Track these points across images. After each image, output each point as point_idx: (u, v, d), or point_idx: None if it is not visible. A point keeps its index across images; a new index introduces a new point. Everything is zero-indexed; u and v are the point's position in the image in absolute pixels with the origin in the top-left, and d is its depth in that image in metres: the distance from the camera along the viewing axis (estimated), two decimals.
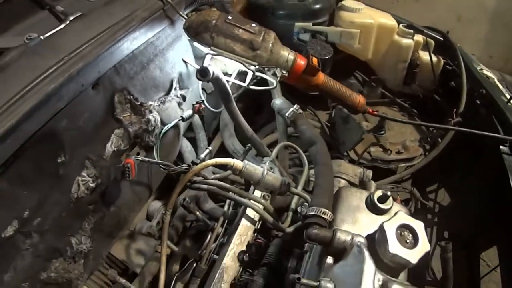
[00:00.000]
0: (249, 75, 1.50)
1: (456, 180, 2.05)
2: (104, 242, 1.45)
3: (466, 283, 1.76)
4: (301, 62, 1.50)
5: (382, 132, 1.95)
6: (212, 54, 1.40)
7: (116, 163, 1.38)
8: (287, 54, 1.48)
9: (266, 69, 1.48)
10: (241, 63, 1.42)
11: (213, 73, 1.26)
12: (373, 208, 1.18)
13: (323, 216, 1.09)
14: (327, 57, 1.88)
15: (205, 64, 1.46)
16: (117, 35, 1.30)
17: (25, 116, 1.03)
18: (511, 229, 1.52)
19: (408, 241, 1.00)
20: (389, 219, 1.03)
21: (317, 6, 2.02)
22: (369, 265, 0.95)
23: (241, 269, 1.31)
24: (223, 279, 1.25)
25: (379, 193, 1.18)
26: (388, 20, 2.09)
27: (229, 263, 1.28)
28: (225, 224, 1.48)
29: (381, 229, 1.02)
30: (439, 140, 1.90)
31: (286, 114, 1.53)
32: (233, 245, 1.31)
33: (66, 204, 1.25)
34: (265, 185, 1.36)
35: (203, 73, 1.23)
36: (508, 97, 1.89)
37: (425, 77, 2.15)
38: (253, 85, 1.59)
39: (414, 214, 1.97)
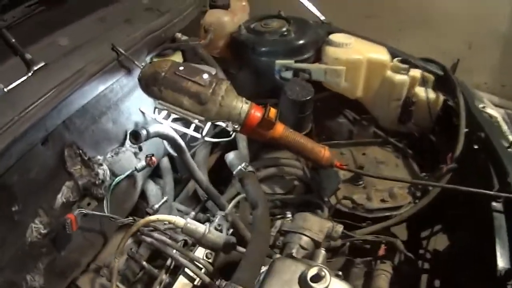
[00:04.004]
0: (207, 126, 1.47)
1: (445, 229, 1.88)
2: (57, 281, 1.49)
3: None
4: (257, 114, 1.42)
5: (361, 183, 1.81)
6: (161, 108, 1.37)
7: (66, 213, 1.40)
8: (240, 105, 1.41)
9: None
10: (190, 118, 1.37)
11: (148, 132, 1.23)
12: (305, 287, 1.07)
13: None
14: (307, 99, 1.78)
15: (158, 118, 1.45)
16: (64, 93, 1.31)
17: None
18: None
19: None
20: None
21: (300, 42, 1.91)
22: None
23: None
24: None
25: (314, 270, 1.07)
26: (379, 54, 1.94)
27: None
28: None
29: None
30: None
31: (234, 173, 1.47)
32: None
33: (22, 245, 1.32)
34: (206, 244, 1.32)
35: (135, 137, 1.21)
36: (511, 140, 1.70)
37: (422, 116, 1.98)
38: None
39: (398, 265, 1.86)
